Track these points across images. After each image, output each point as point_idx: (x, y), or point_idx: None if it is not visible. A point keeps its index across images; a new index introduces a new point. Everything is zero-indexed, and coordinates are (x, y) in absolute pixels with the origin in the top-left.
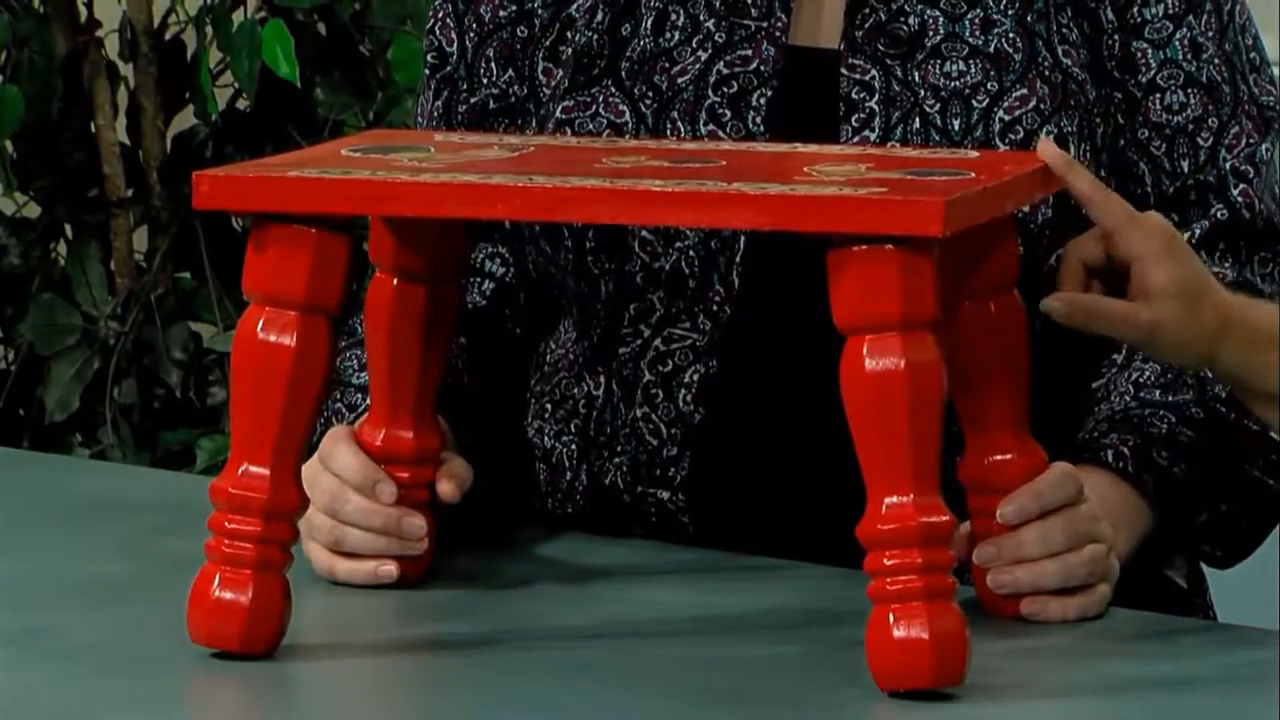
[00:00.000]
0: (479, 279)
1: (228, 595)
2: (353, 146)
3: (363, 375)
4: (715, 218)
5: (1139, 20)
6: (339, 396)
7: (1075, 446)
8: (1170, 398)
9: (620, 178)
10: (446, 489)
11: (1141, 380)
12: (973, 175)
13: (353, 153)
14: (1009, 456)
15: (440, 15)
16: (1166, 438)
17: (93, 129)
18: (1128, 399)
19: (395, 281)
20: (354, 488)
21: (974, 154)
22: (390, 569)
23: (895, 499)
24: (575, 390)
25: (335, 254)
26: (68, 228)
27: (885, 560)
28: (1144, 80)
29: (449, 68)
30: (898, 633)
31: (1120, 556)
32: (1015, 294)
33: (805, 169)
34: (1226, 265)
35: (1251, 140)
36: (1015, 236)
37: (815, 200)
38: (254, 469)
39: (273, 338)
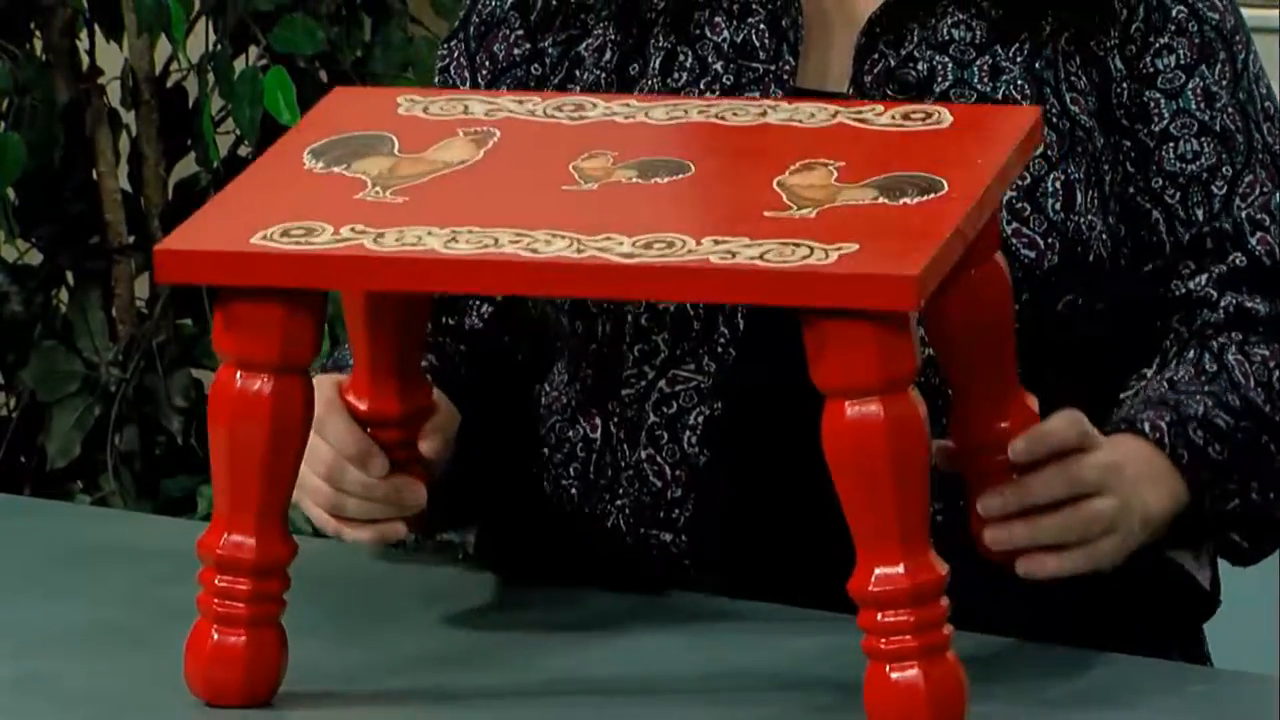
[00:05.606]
0: (476, 301)
1: (224, 649)
2: (314, 146)
3: None
4: (686, 293)
5: (1151, 70)
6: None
7: (1111, 424)
8: (1207, 388)
9: (585, 208)
10: (427, 447)
11: (1176, 378)
12: (945, 189)
13: (315, 162)
14: (1003, 424)
15: (455, 55)
16: (1203, 418)
17: (94, 176)
18: (1164, 389)
19: None
20: (348, 459)
21: (949, 119)
22: (400, 529)
23: (885, 565)
24: (570, 433)
25: (304, 313)
26: (69, 275)
27: (878, 618)
28: (1156, 129)
29: None
30: (895, 685)
31: (1151, 514)
32: (996, 261)
33: (775, 185)
34: (1257, 301)
35: (1265, 189)
36: (997, 215)
37: (787, 276)
38: (238, 536)
39: (248, 397)
